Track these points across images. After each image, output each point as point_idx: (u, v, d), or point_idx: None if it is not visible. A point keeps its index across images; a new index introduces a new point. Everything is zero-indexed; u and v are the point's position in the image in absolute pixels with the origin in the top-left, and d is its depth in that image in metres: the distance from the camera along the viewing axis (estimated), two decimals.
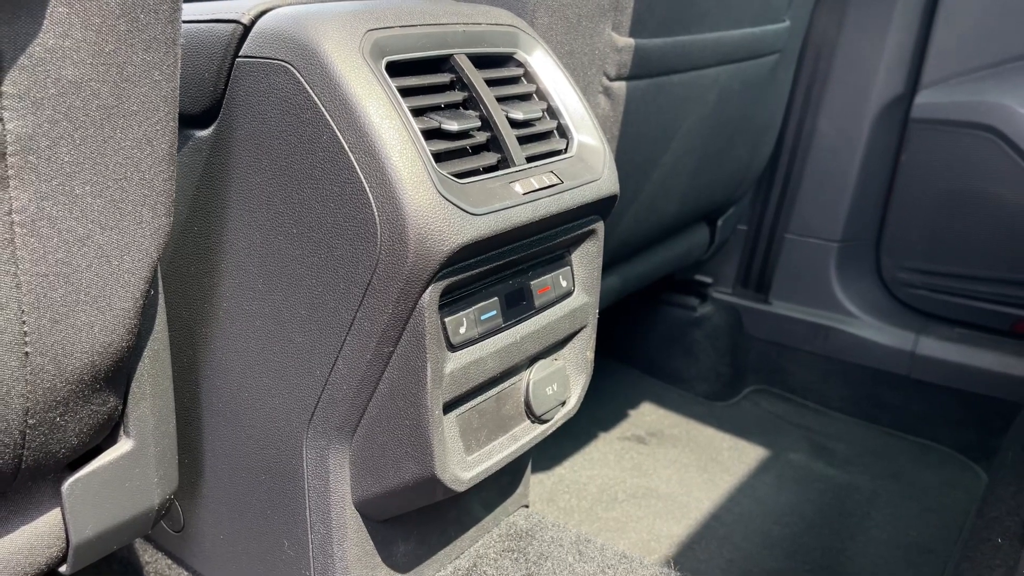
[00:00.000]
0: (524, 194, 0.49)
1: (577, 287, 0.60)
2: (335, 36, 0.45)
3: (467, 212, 0.45)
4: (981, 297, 1.13)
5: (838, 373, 1.21)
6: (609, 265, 0.93)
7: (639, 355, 1.31)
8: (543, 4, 0.61)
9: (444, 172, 0.46)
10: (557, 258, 0.58)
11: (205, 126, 0.51)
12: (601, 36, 0.69)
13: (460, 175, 0.48)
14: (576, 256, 0.59)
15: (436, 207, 0.44)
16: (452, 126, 0.48)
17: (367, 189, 0.44)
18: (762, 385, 1.28)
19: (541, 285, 0.56)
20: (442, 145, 0.48)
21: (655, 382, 1.29)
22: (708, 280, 1.30)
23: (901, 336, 1.17)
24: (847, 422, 1.20)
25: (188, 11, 0.51)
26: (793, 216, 1.23)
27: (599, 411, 1.19)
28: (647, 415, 1.20)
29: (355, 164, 0.44)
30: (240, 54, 0.48)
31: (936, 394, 1.15)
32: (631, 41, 0.71)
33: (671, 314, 1.29)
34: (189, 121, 0.51)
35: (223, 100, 0.49)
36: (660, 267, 1.06)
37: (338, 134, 0.44)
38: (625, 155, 0.78)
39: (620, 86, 0.72)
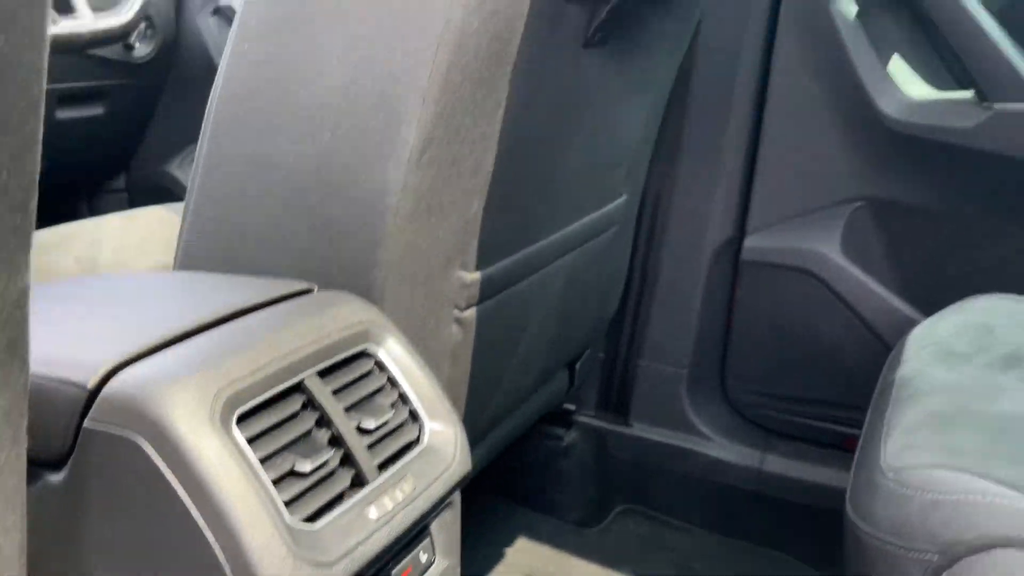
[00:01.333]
0: (378, 519, 0.52)
1: (438, 554, 0.63)
2: (184, 407, 0.46)
3: (322, 565, 0.47)
4: (816, 416, 1.25)
5: (697, 491, 1.30)
6: (476, 442, 0.96)
7: (512, 487, 1.36)
8: (392, 275, 0.64)
9: (297, 520, 0.48)
10: (416, 536, 0.61)
11: (57, 469, 0.51)
12: (450, 279, 0.72)
13: (315, 514, 0.50)
14: (435, 526, 0.63)
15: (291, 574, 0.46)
16: (305, 467, 0.50)
17: (224, 565, 0.45)
18: (629, 505, 1.35)
19: (402, 569, 0.59)
20: (297, 487, 0.50)
21: (529, 513, 1.33)
22: (572, 408, 1.36)
23: (749, 454, 1.27)
24: (708, 539, 1.28)
25: (38, 356, 0.50)
26: (645, 345, 1.31)
27: (476, 555, 1.22)
28: (522, 553, 1.25)
29: (210, 540, 0.45)
30: (85, 422, 0.48)
31: (783, 508, 1.25)
32: (478, 274, 0.75)
33: (540, 445, 1.34)
34: (40, 463, 0.51)
35: (71, 455, 0.49)
36: (524, 424, 1.10)
37: (191, 510, 0.45)
38: (480, 360, 0.82)
39: (470, 313, 0.76)
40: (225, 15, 1.56)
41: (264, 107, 0.63)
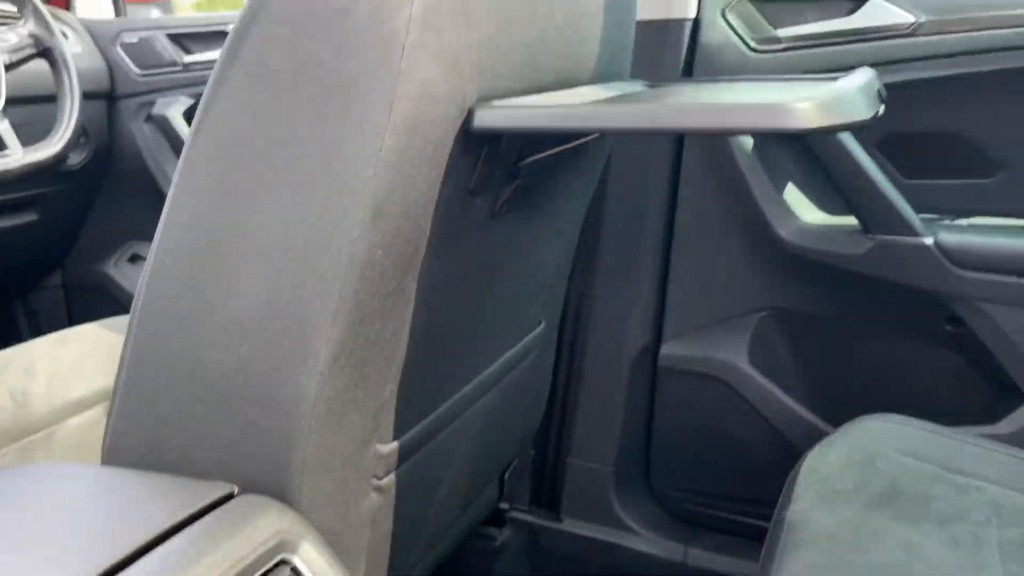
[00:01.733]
0: None
1: None
2: None
3: None
4: (735, 511, 1.32)
5: None
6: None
7: None
8: (308, 470, 0.69)
9: None
10: None
11: None
12: (367, 455, 0.77)
13: None
14: None
15: None
16: None
17: None
18: None
19: None
20: None
21: None
22: (505, 506, 1.41)
23: (674, 547, 1.33)
24: None
25: None
26: (573, 444, 1.37)
27: None
28: None
29: None
30: None
31: None
32: (395, 444, 0.80)
33: (473, 545, 1.38)
34: None
35: None
36: (454, 545, 1.15)
37: None
38: (402, 516, 0.86)
39: (389, 479, 0.81)
40: (158, 122, 1.59)
41: (185, 319, 0.68)
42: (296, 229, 0.64)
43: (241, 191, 0.64)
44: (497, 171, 0.75)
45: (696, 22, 1.15)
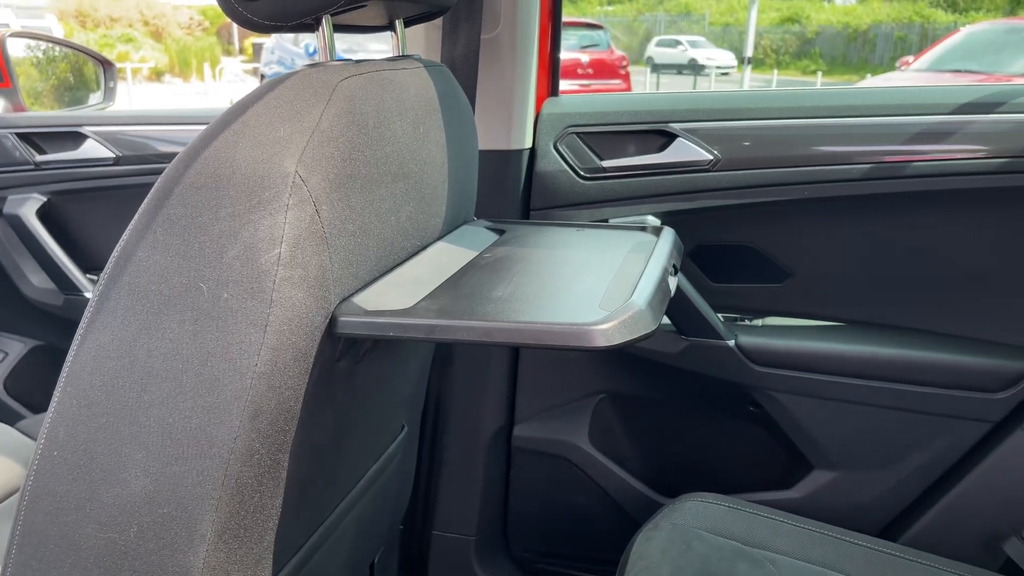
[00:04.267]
0: None
1: None
2: None
3: None
4: (583, 568, 1.49)
5: None
6: None
7: None
8: None
9: None
10: None
11: None
12: None
13: None
14: None
15: None
16: None
17: None
18: None
19: None
20: None
21: None
22: None
23: None
24: None
25: None
26: (437, 518, 1.49)
27: None
28: None
29: None
30: None
31: None
32: None
33: None
34: None
35: None
36: None
37: None
38: None
39: None
40: (10, 220, 1.58)
41: (74, 503, 0.75)
42: (180, 428, 0.72)
43: (127, 393, 0.72)
44: (357, 341, 0.85)
45: (532, 152, 1.30)
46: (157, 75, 18.75)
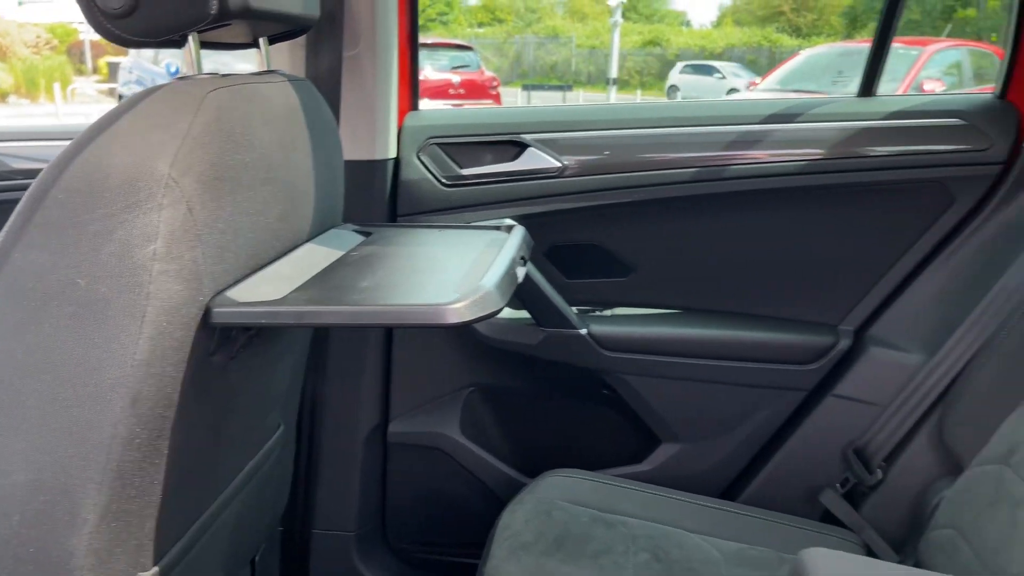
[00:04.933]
0: None
1: None
2: None
3: None
4: (459, 554, 1.57)
5: None
6: None
7: None
8: None
9: None
10: None
11: None
12: None
13: None
14: None
15: None
16: None
17: None
18: None
19: None
20: None
21: None
22: None
23: None
24: None
25: None
26: (316, 516, 1.54)
27: None
28: None
29: None
30: None
31: None
32: (155, 569, 0.94)
33: None
34: None
35: None
36: None
37: None
38: None
39: None
40: None
41: None
42: (60, 417, 0.76)
43: (6, 387, 0.76)
44: (232, 334, 0.92)
45: (397, 162, 1.39)
46: (2, 96, 17.58)
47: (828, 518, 1.36)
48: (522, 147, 1.40)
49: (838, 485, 1.35)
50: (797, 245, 1.42)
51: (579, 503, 1.24)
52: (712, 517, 1.25)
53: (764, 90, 8.29)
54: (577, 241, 1.47)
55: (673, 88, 16.26)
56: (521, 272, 1.01)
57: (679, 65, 17.44)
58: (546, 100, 16.33)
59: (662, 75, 22.92)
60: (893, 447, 1.31)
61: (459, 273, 0.95)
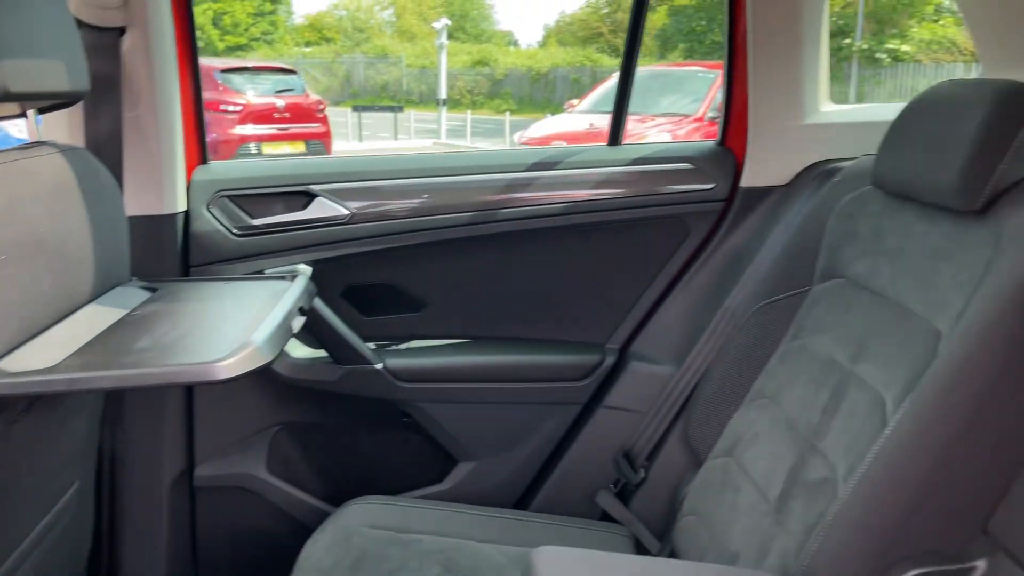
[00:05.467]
0: None
1: None
2: None
3: None
4: None
5: None
6: None
7: None
8: None
9: None
10: None
11: None
12: None
13: None
14: None
15: None
16: None
17: None
18: None
19: None
20: None
21: None
22: None
23: None
24: None
25: None
26: (123, 569, 1.54)
27: None
28: None
29: None
30: None
31: None
32: None
33: None
34: None
35: None
36: None
37: None
38: None
39: None
40: None
41: None
42: None
43: None
44: (8, 402, 0.95)
45: (187, 215, 1.44)
46: None
47: (606, 516, 1.54)
48: (311, 197, 1.49)
49: (611, 486, 1.53)
50: (566, 276, 1.60)
51: (378, 527, 1.34)
52: (502, 526, 1.39)
53: (581, 111, 8.74)
54: (371, 281, 1.58)
55: None
56: (298, 322, 1.10)
57: None
58: (377, 120, 16.34)
59: (492, 94, 23.51)
60: (652, 448, 1.50)
61: (236, 328, 1.03)
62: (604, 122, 7.91)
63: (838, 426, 1.07)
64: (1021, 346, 0.88)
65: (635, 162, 1.56)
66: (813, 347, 1.20)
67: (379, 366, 1.52)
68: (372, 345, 1.58)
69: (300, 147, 9.19)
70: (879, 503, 0.93)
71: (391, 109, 15.35)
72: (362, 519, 1.35)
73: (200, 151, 1.50)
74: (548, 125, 8.58)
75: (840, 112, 1.56)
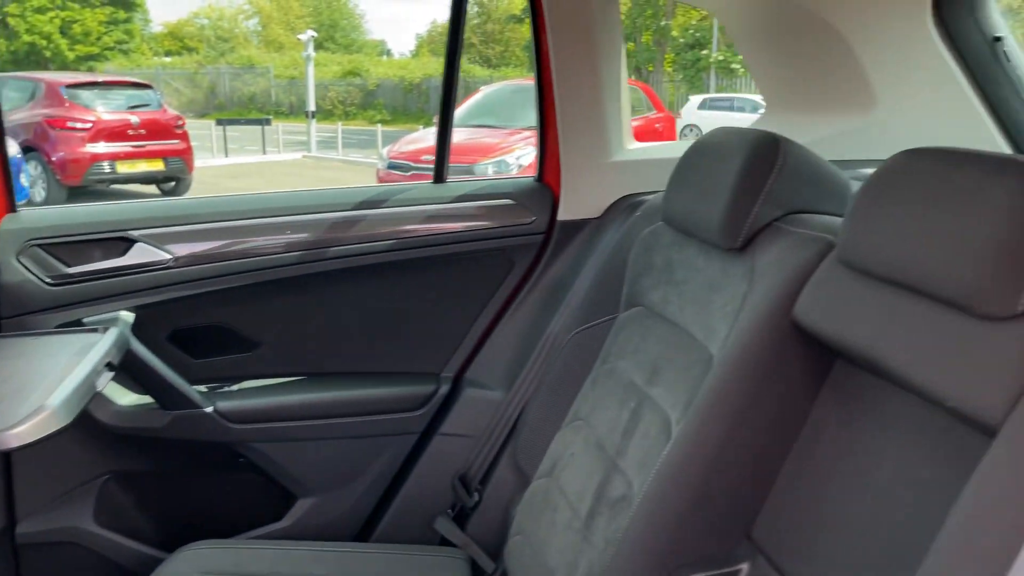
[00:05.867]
0: None
1: None
2: None
3: None
4: None
5: None
6: None
7: None
8: None
9: None
10: None
11: None
12: None
13: None
14: None
15: None
16: None
17: None
18: None
19: None
20: None
21: None
22: None
23: None
24: None
25: None
26: None
27: None
28: None
29: None
30: None
31: None
32: None
33: None
34: None
35: None
36: None
37: None
38: None
39: None
40: None
41: None
42: None
43: None
44: None
45: None
46: None
47: (446, 541, 1.59)
48: (130, 242, 1.47)
49: (449, 511, 1.59)
50: (399, 310, 1.65)
51: (210, 571, 1.34)
52: (341, 560, 1.41)
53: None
54: (199, 323, 1.57)
55: (691, 127, 13.44)
56: (104, 379, 1.09)
57: (695, 100, 14.52)
58: (245, 134, 15.87)
59: (364, 105, 23.27)
60: (485, 472, 1.57)
61: (35, 389, 1.02)
62: (471, 135, 7.96)
63: (635, 445, 1.16)
64: (769, 371, 1.00)
65: (459, 199, 1.63)
66: (618, 371, 1.29)
67: (209, 409, 1.52)
68: (204, 388, 1.57)
69: (159, 165, 8.82)
70: (658, 517, 1.03)
71: (258, 122, 14.92)
72: (194, 565, 1.35)
73: (7, 199, 1.45)
74: (418, 139, 8.60)
75: (645, 149, 1.68)
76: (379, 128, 16.52)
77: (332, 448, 1.60)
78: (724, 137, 1.18)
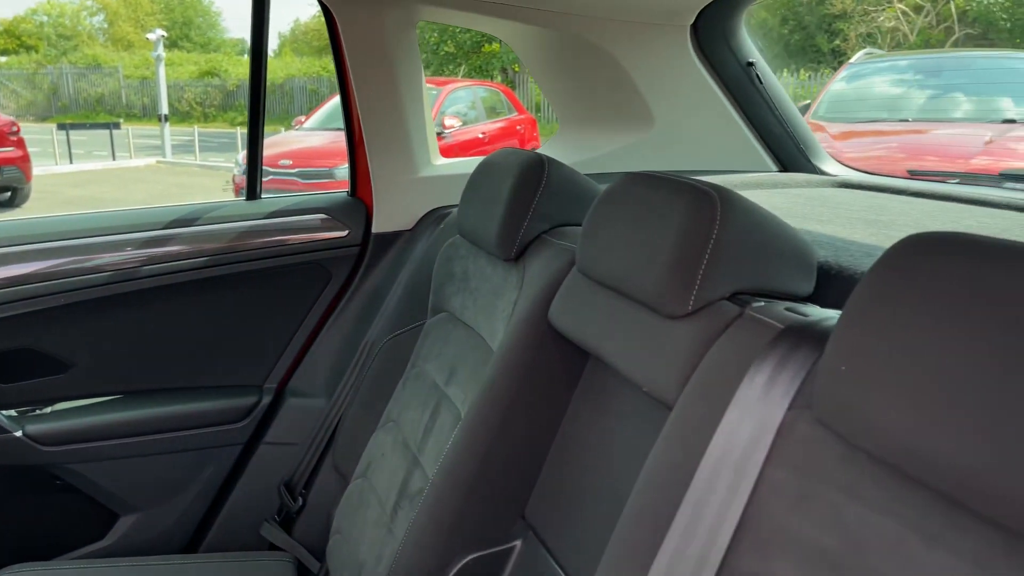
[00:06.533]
0: None
1: None
2: None
3: None
4: None
5: None
6: None
7: None
8: None
9: None
10: None
11: None
12: None
13: None
14: None
15: None
16: None
17: None
18: None
19: None
20: None
21: None
22: None
23: None
24: None
25: None
26: None
27: None
28: None
29: None
30: None
31: None
32: None
33: None
34: None
35: None
36: None
37: None
38: None
39: None
40: None
41: None
42: None
43: None
44: None
45: None
46: None
47: (274, 546, 1.64)
48: None
49: (275, 516, 1.64)
50: (218, 325, 1.68)
51: None
52: (166, 572, 1.44)
53: (310, 129, 8.69)
54: (5, 347, 1.55)
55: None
56: None
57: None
58: (93, 138, 14.99)
59: (224, 106, 22.45)
60: (308, 477, 1.63)
61: None
62: (332, 139, 7.83)
63: (432, 441, 1.27)
64: (532, 367, 1.12)
65: (273, 215, 1.68)
66: (424, 373, 1.39)
67: (18, 433, 1.50)
68: (14, 412, 1.55)
69: None
70: (442, 504, 1.13)
71: (106, 126, 14.12)
72: None
73: None
74: (277, 142, 8.43)
75: (450, 165, 1.79)
76: (239, 131, 16.02)
77: (154, 464, 1.62)
78: (503, 158, 1.30)
